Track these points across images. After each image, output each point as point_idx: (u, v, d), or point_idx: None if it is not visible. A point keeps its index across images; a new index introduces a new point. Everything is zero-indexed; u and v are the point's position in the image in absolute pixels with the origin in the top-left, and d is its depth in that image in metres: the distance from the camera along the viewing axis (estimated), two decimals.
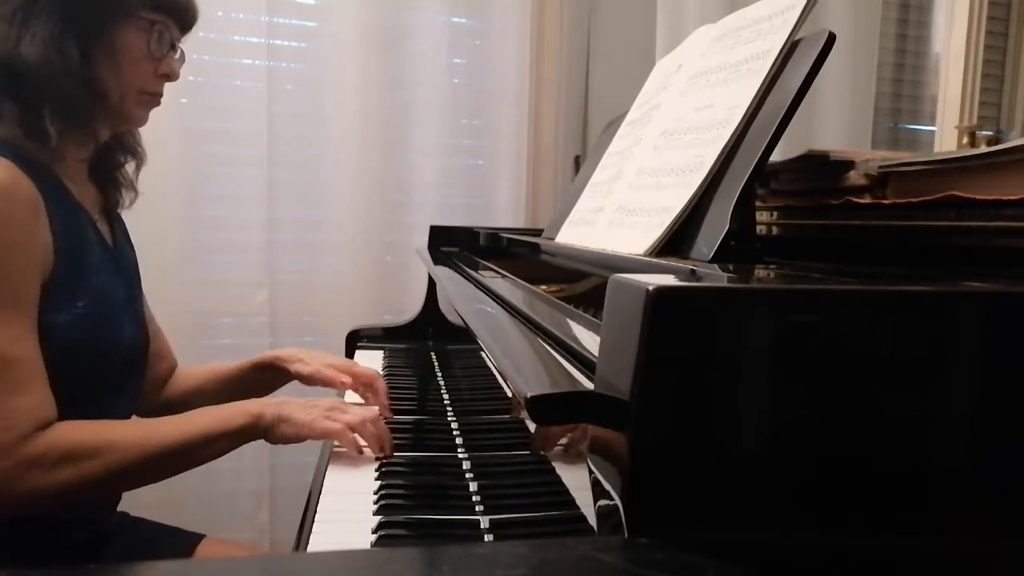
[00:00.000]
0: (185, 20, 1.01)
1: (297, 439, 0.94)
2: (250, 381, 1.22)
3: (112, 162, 1.07)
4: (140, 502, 1.16)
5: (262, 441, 0.95)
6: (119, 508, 1.13)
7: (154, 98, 1.00)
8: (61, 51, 0.89)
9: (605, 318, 0.45)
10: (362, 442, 0.95)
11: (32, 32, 0.89)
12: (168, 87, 1.02)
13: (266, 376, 1.23)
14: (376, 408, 1.06)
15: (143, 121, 1.02)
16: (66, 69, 0.90)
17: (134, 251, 1.12)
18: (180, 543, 1.11)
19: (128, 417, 1.06)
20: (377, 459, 0.94)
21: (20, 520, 0.89)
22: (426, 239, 1.76)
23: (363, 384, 1.15)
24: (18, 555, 0.91)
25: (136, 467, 0.88)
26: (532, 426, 0.79)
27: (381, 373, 1.38)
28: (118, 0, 0.93)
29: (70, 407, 0.88)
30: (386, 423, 1.08)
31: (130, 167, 1.10)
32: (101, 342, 0.95)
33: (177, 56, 1.02)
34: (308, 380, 1.18)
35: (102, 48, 0.93)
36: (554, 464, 0.69)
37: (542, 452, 0.77)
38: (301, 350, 1.22)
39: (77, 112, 0.93)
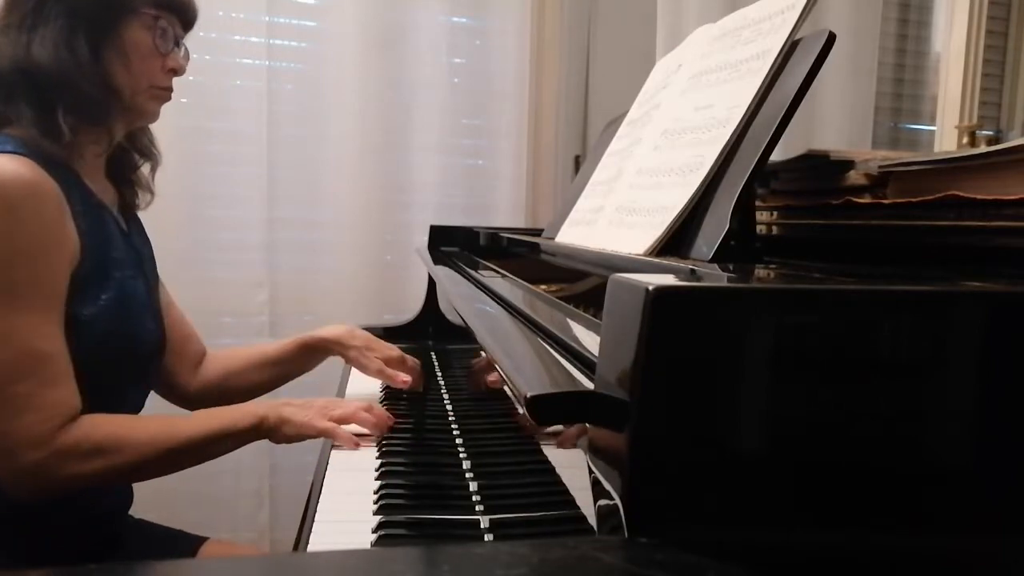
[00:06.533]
0: (187, 17, 1.04)
1: (298, 438, 0.99)
2: (294, 362, 1.24)
3: (128, 164, 1.10)
4: (140, 503, 1.16)
5: (262, 442, 0.99)
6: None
7: (165, 92, 1.02)
8: (72, 50, 0.92)
9: (605, 318, 0.45)
10: (360, 430, 1.00)
11: (42, 34, 0.92)
12: None
13: (309, 356, 1.25)
14: (368, 402, 1.07)
15: (155, 116, 1.04)
16: (78, 67, 0.92)
17: (151, 247, 1.15)
18: (184, 545, 1.12)
19: (141, 408, 1.09)
20: (381, 439, 1.00)
21: (29, 527, 0.92)
22: (426, 239, 1.76)
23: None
24: (28, 560, 0.93)
25: (154, 461, 0.93)
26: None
27: None
28: None
29: (94, 398, 0.91)
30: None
31: (145, 169, 1.12)
32: (125, 335, 0.98)
33: (182, 53, 1.05)
34: (369, 374, 1.19)
35: (111, 46, 0.96)
36: (554, 464, 0.69)
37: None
38: (349, 331, 1.23)
39: (92, 109, 0.95)
